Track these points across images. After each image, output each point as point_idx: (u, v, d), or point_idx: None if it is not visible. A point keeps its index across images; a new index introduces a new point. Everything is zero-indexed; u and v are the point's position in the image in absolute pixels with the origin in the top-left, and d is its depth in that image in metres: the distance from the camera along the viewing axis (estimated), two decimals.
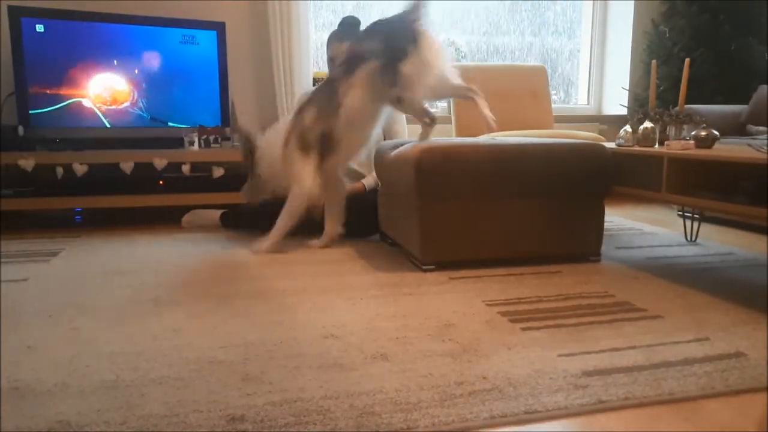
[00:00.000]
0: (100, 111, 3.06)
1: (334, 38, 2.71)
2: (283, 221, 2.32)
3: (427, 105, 2.25)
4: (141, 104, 3.13)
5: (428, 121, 2.24)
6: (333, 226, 2.45)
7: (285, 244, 2.36)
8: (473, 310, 1.63)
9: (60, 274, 2.02)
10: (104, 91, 3.06)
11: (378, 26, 2.22)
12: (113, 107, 3.08)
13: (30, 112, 2.92)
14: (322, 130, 2.24)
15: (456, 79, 2.21)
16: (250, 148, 2.40)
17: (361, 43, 2.21)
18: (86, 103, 3.03)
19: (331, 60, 2.72)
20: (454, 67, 2.24)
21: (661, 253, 2.36)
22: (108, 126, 3.08)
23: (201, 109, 3.23)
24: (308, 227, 2.69)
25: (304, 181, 2.27)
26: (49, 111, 2.97)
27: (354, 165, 2.80)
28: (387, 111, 2.34)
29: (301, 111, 2.30)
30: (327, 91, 2.25)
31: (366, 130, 2.33)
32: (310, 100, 2.30)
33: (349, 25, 2.76)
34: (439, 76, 2.13)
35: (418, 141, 2.21)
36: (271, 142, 2.36)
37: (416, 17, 2.12)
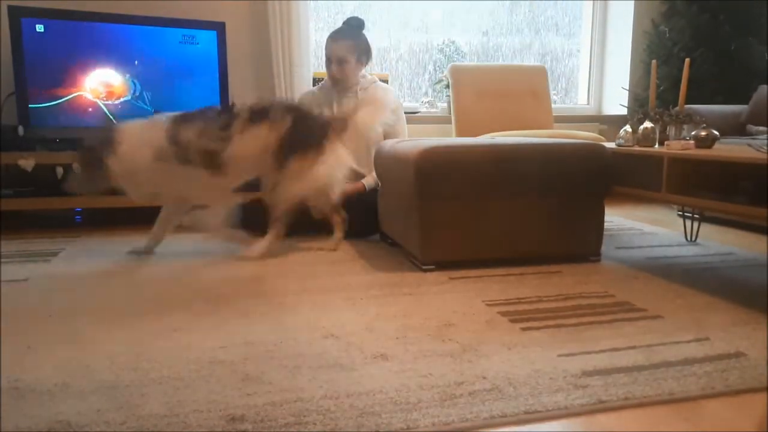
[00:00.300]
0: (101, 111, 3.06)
1: (331, 37, 2.72)
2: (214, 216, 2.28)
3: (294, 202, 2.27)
4: (141, 103, 3.13)
5: (280, 224, 2.27)
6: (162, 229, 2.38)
7: (284, 244, 2.36)
8: (473, 310, 1.63)
9: (60, 274, 2.02)
10: (103, 91, 3.06)
11: (295, 109, 2.29)
12: (113, 106, 3.08)
13: (30, 106, 2.92)
14: (206, 148, 2.14)
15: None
16: (109, 140, 2.15)
17: (275, 108, 2.23)
18: (87, 95, 3.03)
19: (328, 59, 2.72)
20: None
21: (661, 253, 2.36)
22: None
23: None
24: (305, 227, 2.69)
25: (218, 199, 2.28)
26: (49, 109, 2.97)
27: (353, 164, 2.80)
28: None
29: (180, 123, 2.16)
30: (222, 117, 2.19)
31: (247, 176, 2.32)
32: (192, 117, 2.18)
33: (350, 26, 2.76)
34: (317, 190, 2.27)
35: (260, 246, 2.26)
36: (136, 144, 2.15)
37: (331, 135, 2.26)
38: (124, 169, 2.13)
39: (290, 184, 2.21)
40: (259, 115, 2.19)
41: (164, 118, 2.19)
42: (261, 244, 2.27)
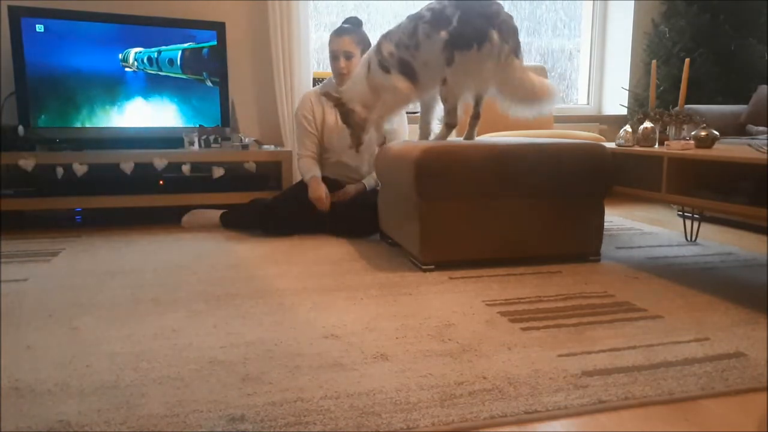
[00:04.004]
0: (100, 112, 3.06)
1: (335, 33, 2.72)
2: (379, 114, 2.38)
3: (458, 106, 2.23)
4: (141, 104, 3.13)
5: (449, 121, 2.23)
6: None
7: (285, 244, 2.36)
8: (473, 310, 1.63)
9: (60, 274, 2.02)
10: (104, 91, 3.06)
11: (459, 5, 2.15)
12: (113, 107, 3.08)
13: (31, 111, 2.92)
14: (400, 57, 2.27)
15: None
16: (340, 99, 2.44)
17: (445, 8, 2.14)
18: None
19: (334, 55, 2.71)
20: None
21: (661, 253, 2.36)
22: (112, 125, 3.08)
23: (201, 109, 3.23)
24: (318, 226, 2.69)
25: (398, 82, 2.29)
26: (49, 110, 2.97)
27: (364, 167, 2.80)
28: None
29: (380, 42, 2.32)
30: (411, 24, 2.22)
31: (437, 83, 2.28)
32: (389, 33, 2.31)
33: (351, 23, 2.76)
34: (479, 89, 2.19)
35: (435, 139, 2.27)
36: (358, 83, 2.41)
37: (496, 23, 2.08)
38: (361, 104, 2.38)
39: (463, 80, 2.15)
40: (439, 17, 2.13)
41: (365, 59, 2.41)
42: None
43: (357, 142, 2.50)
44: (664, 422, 1.06)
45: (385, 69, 2.28)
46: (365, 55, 2.44)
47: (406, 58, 2.23)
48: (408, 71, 2.25)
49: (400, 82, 2.26)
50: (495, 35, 2.05)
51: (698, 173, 1.87)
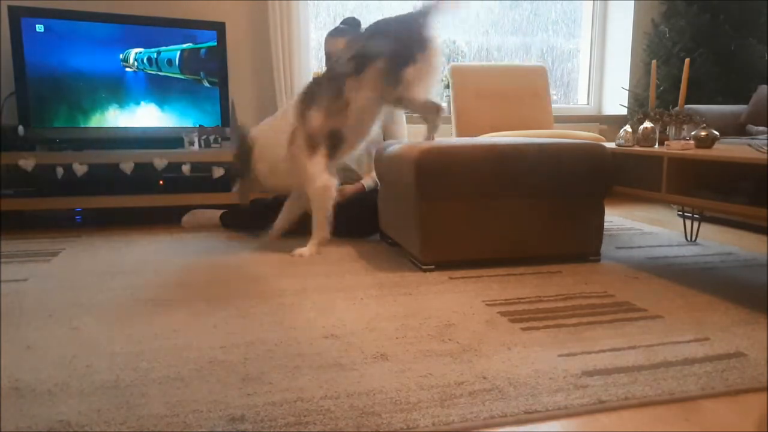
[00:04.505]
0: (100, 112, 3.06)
1: (330, 35, 2.72)
2: (320, 219, 2.31)
3: (427, 97, 2.24)
4: (141, 104, 3.13)
5: (433, 110, 2.26)
6: (322, 230, 2.34)
7: (284, 244, 2.36)
8: (473, 310, 1.63)
9: (60, 274, 2.02)
10: (105, 91, 3.06)
11: (386, 26, 2.23)
12: (114, 107, 3.08)
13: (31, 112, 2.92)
14: (330, 129, 2.24)
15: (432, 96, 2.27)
16: (246, 148, 2.36)
17: (369, 42, 2.21)
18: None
19: (328, 56, 2.72)
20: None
21: (661, 253, 2.35)
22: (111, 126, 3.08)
23: (201, 109, 3.23)
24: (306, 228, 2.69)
25: (321, 175, 2.27)
26: (50, 110, 2.97)
27: (353, 165, 2.80)
28: (387, 109, 2.37)
29: (305, 110, 2.26)
30: (332, 89, 2.24)
31: (369, 128, 2.35)
32: (313, 99, 2.27)
33: (348, 24, 2.76)
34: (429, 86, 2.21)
35: (425, 135, 2.31)
36: (270, 141, 2.33)
37: (425, 22, 2.16)
38: (267, 167, 2.32)
39: (417, 90, 2.16)
40: (362, 61, 2.18)
41: (289, 106, 2.32)
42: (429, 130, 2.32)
43: (242, 199, 2.49)
44: (664, 422, 1.06)
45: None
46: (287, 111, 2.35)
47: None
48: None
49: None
50: (428, 34, 2.16)
51: (698, 173, 1.87)
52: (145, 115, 3.14)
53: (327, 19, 3.79)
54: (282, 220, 2.52)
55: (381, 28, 2.24)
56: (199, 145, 3.11)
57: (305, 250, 2.29)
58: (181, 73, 3.16)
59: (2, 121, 2.98)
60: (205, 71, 3.20)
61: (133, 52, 3.07)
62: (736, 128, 3.24)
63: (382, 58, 2.15)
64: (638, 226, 2.96)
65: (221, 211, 2.93)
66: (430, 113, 2.27)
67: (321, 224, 2.32)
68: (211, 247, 2.47)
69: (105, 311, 1.63)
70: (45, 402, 1.11)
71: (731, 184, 1.74)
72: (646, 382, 1.19)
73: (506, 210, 2.09)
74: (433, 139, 2.31)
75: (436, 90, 2.26)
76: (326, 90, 2.26)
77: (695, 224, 2.63)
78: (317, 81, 2.34)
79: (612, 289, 1.84)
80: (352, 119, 2.24)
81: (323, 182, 2.28)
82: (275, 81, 3.39)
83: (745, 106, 3.33)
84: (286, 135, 2.27)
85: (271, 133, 2.34)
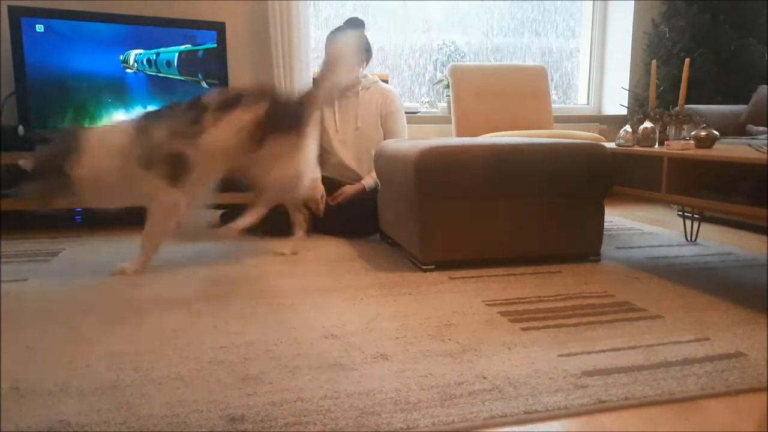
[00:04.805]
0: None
1: (330, 35, 2.73)
2: (151, 238, 2.07)
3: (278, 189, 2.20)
4: (141, 105, 3.13)
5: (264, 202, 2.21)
6: (152, 249, 2.10)
7: (285, 244, 2.36)
8: (473, 310, 1.63)
9: (60, 274, 2.02)
10: (105, 92, 3.06)
11: (272, 89, 2.19)
12: (114, 108, 3.08)
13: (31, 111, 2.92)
14: (172, 151, 1.98)
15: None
16: (67, 148, 1.99)
17: (250, 91, 2.11)
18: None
19: (328, 56, 2.72)
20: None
21: (661, 253, 2.36)
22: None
23: None
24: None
25: (168, 191, 2.01)
26: (50, 110, 2.97)
27: (353, 165, 2.80)
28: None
29: (148, 124, 2.01)
30: (190, 112, 2.03)
31: (221, 169, 2.14)
32: (160, 115, 2.05)
33: (350, 25, 2.76)
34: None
35: (236, 223, 2.17)
36: (100, 149, 1.99)
37: (305, 111, 2.15)
38: (90, 176, 1.95)
39: (271, 166, 2.11)
40: (231, 102, 2.06)
41: (131, 118, 2.08)
42: (237, 222, 2.18)
43: (39, 203, 2.15)
44: (664, 422, 1.06)
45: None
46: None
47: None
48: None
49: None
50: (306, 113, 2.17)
51: (698, 173, 1.87)
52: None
53: (327, 19, 3.79)
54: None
55: (265, 89, 2.15)
56: None
57: (128, 267, 2.04)
58: (180, 74, 3.16)
59: (2, 121, 2.97)
60: (203, 72, 3.19)
61: (133, 53, 3.07)
62: (736, 128, 3.24)
63: (257, 112, 2.05)
64: (638, 226, 2.96)
65: (221, 211, 2.93)
66: (260, 204, 2.20)
67: (151, 243, 2.07)
68: (211, 247, 2.47)
69: (105, 311, 1.63)
70: (45, 402, 1.11)
71: (731, 184, 1.74)
72: (646, 382, 1.19)
73: (506, 210, 2.09)
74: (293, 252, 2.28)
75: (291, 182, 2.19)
76: (179, 111, 2.05)
77: (695, 224, 2.63)
78: (174, 103, 2.12)
79: (612, 289, 1.84)
80: (205, 150, 2.01)
81: (168, 199, 2.01)
82: (275, 81, 3.38)
83: (745, 106, 3.33)
84: (120, 146, 1.97)
85: (103, 141, 2.00)
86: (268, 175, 2.14)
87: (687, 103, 2.33)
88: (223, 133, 2.03)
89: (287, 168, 2.14)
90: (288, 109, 2.14)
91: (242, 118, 2.05)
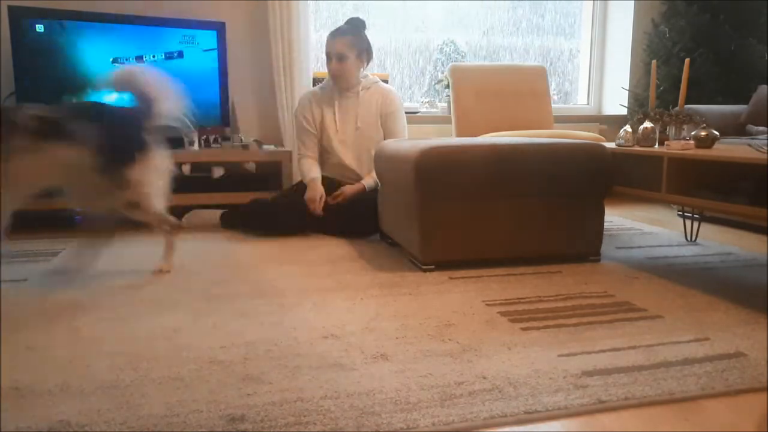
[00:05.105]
0: None
1: (330, 35, 2.73)
2: None
3: (164, 212, 2.04)
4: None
5: (168, 228, 2.08)
6: None
7: (285, 244, 2.36)
8: (473, 310, 1.63)
9: (60, 274, 2.02)
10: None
11: (98, 110, 1.95)
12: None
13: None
14: None
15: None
16: None
17: (73, 116, 1.86)
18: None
19: (328, 56, 2.73)
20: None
21: (661, 253, 2.36)
22: None
23: (201, 109, 3.22)
24: (303, 228, 2.70)
25: None
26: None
27: (353, 165, 2.80)
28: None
29: None
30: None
31: (25, 195, 1.92)
32: None
33: (351, 24, 2.77)
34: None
35: (162, 254, 2.06)
36: None
37: (143, 125, 1.96)
38: None
39: (148, 194, 1.96)
40: (50, 127, 1.79)
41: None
42: (165, 260, 2.08)
43: None
44: (664, 422, 1.06)
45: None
46: None
47: None
48: None
49: None
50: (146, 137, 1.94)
51: (698, 173, 1.87)
52: None
53: (327, 19, 3.79)
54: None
55: (92, 110, 1.93)
56: (199, 145, 3.11)
57: None
58: (179, 74, 3.15)
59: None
60: (203, 72, 3.19)
61: (133, 53, 3.07)
62: (736, 128, 3.24)
63: (89, 144, 1.82)
64: (638, 226, 2.96)
65: (221, 211, 2.93)
66: (164, 230, 2.07)
67: None
68: (211, 247, 2.47)
69: (105, 311, 1.63)
70: (45, 402, 1.11)
71: (731, 184, 1.74)
72: (646, 382, 1.19)
73: (506, 210, 2.09)
74: (167, 269, 2.04)
75: (165, 198, 2.04)
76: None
77: (695, 224, 2.63)
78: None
79: (612, 289, 1.84)
80: (12, 175, 1.78)
81: None
82: (275, 81, 3.38)
83: (745, 106, 3.33)
84: None
85: None
86: (150, 207, 1.99)
87: (687, 103, 2.33)
88: (43, 165, 1.81)
89: (136, 190, 1.95)
90: (131, 125, 1.95)
91: (69, 154, 1.81)
